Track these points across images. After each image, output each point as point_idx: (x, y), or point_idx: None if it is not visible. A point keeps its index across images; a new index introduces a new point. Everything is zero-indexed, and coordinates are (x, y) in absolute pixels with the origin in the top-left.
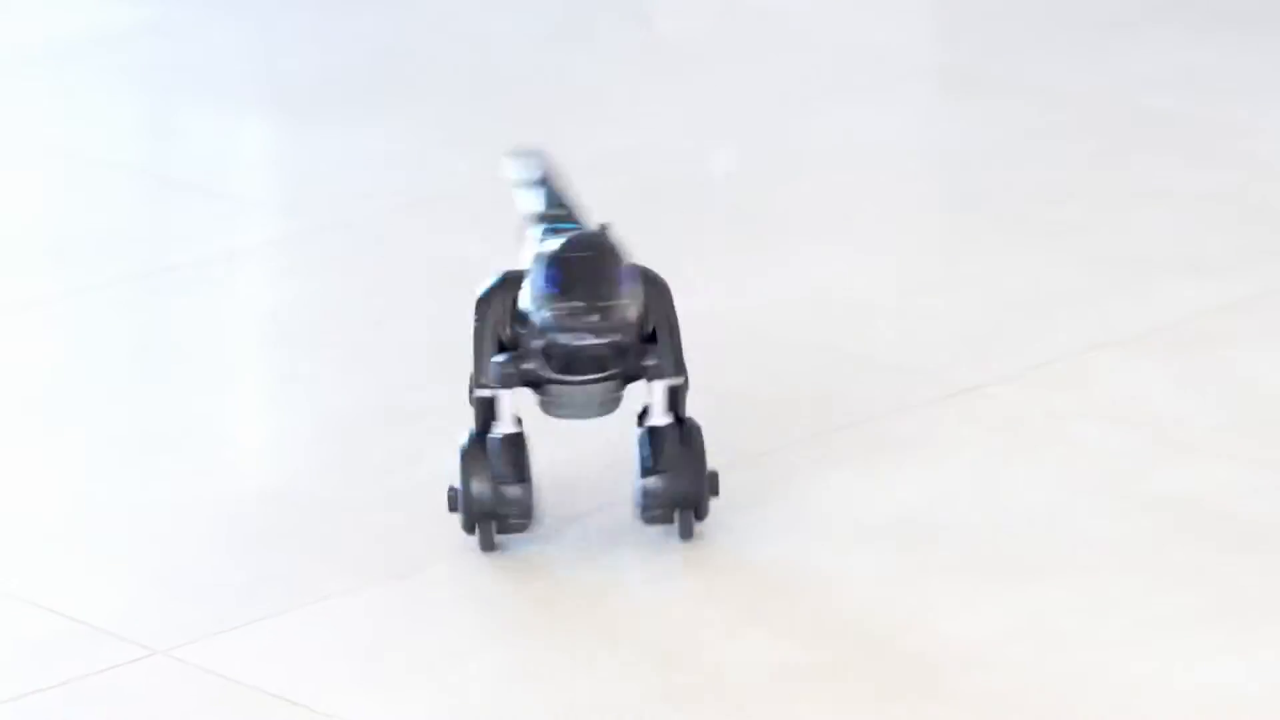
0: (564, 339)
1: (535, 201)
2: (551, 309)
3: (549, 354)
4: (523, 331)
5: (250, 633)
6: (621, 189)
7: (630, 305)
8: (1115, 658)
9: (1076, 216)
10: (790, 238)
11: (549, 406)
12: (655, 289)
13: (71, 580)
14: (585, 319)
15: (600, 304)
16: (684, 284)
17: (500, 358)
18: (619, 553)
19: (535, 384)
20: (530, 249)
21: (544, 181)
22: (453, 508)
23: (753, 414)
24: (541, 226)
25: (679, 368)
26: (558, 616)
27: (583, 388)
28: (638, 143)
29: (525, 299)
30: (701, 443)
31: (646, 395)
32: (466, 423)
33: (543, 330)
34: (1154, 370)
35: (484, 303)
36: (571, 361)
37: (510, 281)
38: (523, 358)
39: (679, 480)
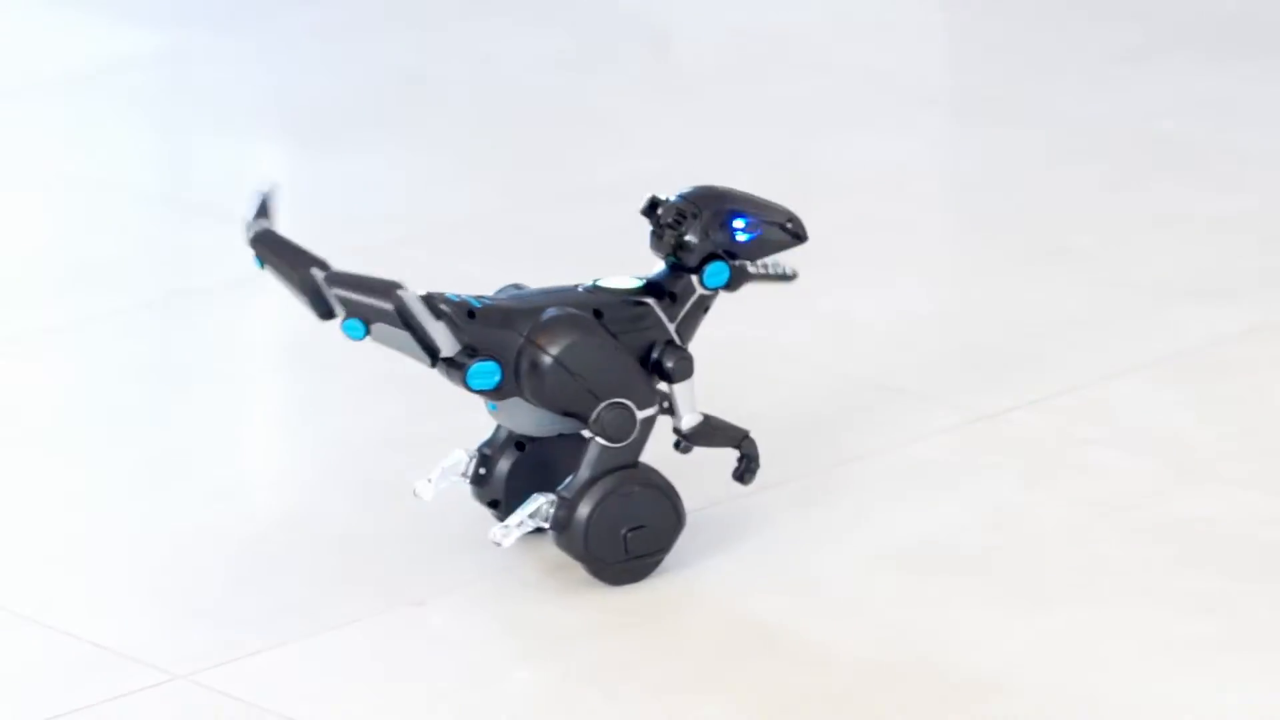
0: None
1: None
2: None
3: None
4: None
5: (271, 658)
6: (636, 214)
7: None
8: (1134, 684)
9: (1092, 243)
10: (806, 263)
11: None
12: None
13: (89, 605)
14: None
15: None
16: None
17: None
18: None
19: None
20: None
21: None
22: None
23: (769, 440)
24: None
25: None
26: (579, 644)
27: None
28: (652, 168)
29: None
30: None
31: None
32: None
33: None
34: (1172, 397)
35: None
36: None
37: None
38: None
39: None
